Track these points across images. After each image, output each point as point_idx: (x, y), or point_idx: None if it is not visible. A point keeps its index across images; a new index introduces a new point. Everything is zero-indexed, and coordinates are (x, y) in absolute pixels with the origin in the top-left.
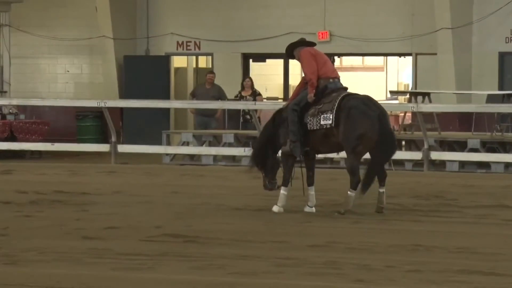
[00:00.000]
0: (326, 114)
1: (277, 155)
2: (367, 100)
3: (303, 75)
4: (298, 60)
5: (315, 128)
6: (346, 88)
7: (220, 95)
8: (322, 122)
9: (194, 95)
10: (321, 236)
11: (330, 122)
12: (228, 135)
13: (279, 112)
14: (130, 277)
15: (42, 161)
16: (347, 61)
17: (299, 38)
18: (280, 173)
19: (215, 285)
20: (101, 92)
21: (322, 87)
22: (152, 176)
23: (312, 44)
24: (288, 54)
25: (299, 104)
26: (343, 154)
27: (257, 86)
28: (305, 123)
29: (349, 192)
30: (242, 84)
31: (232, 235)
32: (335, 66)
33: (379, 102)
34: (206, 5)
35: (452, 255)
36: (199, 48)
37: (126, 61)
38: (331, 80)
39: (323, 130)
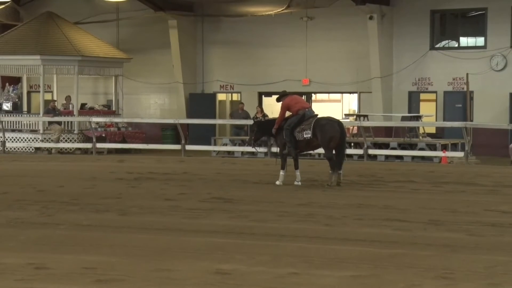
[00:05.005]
0: (306, 131)
1: (263, 137)
2: (330, 118)
3: (290, 108)
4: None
5: (300, 139)
6: (317, 115)
7: (247, 117)
8: (304, 136)
9: (232, 116)
10: (304, 199)
11: (309, 135)
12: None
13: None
14: (193, 223)
15: (141, 155)
16: (319, 96)
17: (283, 91)
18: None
19: (243, 227)
20: (176, 114)
21: (302, 114)
22: (205, 164)
23: (291, 93)
24: (277, 100)
25: (290, 125)
26: (316, 151)
27: (266, 111)
28: (294, 136)
29: (330, 172)
30: (256, 109)
31: (252, 198)
32: (313, 100)
33: (338, 119)
34: (237, 64)
35: (381, 210)
36: (233, 88)
37: (190, 97)
38: (307, 109)
39: (305, 140)
